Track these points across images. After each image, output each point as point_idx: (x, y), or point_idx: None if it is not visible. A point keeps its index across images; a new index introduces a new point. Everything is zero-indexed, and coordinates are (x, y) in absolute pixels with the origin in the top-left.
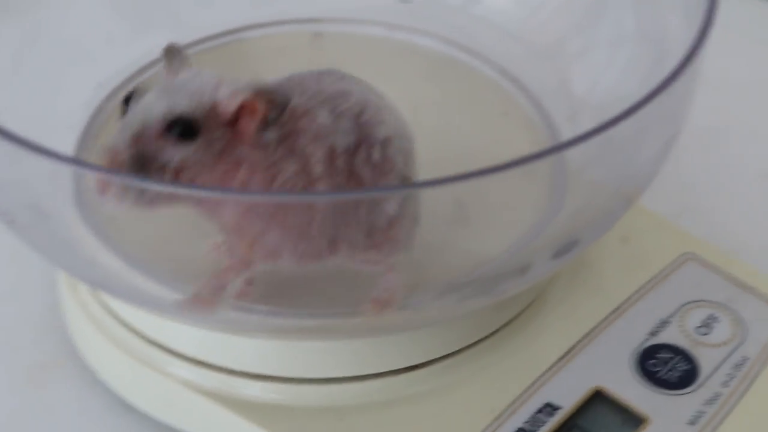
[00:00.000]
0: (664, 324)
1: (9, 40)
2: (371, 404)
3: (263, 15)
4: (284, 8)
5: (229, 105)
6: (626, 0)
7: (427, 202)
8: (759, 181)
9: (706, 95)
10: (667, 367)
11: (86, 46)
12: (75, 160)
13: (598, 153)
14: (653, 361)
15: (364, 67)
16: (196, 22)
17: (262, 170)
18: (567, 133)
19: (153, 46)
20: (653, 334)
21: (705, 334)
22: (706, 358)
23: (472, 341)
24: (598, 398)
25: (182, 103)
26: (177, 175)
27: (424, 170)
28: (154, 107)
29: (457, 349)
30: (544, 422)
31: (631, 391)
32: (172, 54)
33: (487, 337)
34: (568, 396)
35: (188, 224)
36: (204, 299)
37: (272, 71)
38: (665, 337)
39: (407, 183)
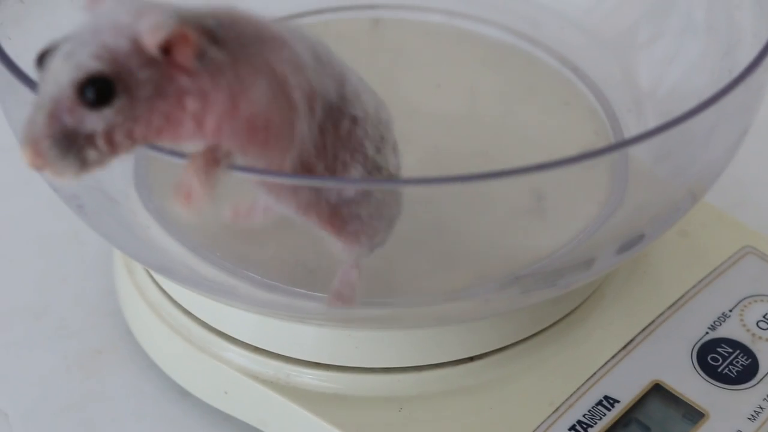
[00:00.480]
0: (723, 318)
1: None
2: (430, 394)
3: (322, 1)
4: None
5: (152, 40)
6: None
7: (496, 192)
8: None
9: None
10: (727, 361)
11: None
12: None
13: (666, 148)
14: (713, 355)
15: (423, 54)
16: (256, 9)
17: (220, 90)
18: (629, 125)
19: None
20: (713, 328)
21: (766, 328)
22: (766, 354)
23: (531, 333)
24: (657, 392)
25: (90, 60)
26: (110, 138)
27: (483, 159)
28: (61, 72)
29: (515, 341)
30: (602, 415)
31: (691, 385)
32: None
33: (545, 329)
34: (626, 389)
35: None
36: (345, 296)
37: None
38: (725, 332)
39: (380, 172)
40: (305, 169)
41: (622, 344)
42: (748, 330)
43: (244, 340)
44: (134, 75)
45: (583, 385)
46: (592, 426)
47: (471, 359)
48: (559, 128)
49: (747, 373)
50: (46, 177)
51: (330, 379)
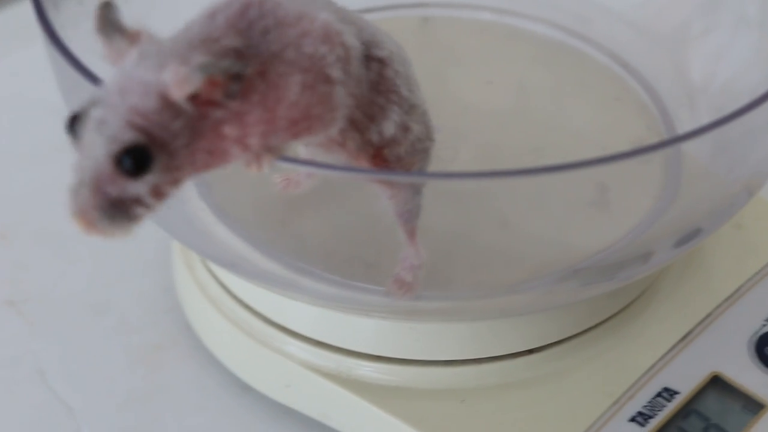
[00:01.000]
0: None
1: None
2: (490, 386)
3: (371, 0)
4: None
5: (180, 94)
6: None
7: (556, 186)
8: None
9: None
10: None
11: None
12: None
13: (721, 143)
14: None
15: (473, 52)
16: None
17: (255, 107)
18: (681, 120)
19: None
20: None
21: None
22: None
23: (589, 326)
24: (716, 383)
25: (123, 130)
26: (157, 193)
27: (536, 155)
28: (96, 145)
29: (574, 333)
30: (662, 407)
31: (750, 377)
32: (107, 22)
33: (603, 322)
34: (685, 381)
35: (303, 203)
36: (408, 284)
37: None
38: None
39: (414, 110)
40: (349, 123)
41: (680, 336)
42: None
43: (306, 334)
44: (168, 130)
45: (642, 376)
46: (652, 417)
47: (530, 352)
48: (611, 124)
49: None
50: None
51: (392, 372)
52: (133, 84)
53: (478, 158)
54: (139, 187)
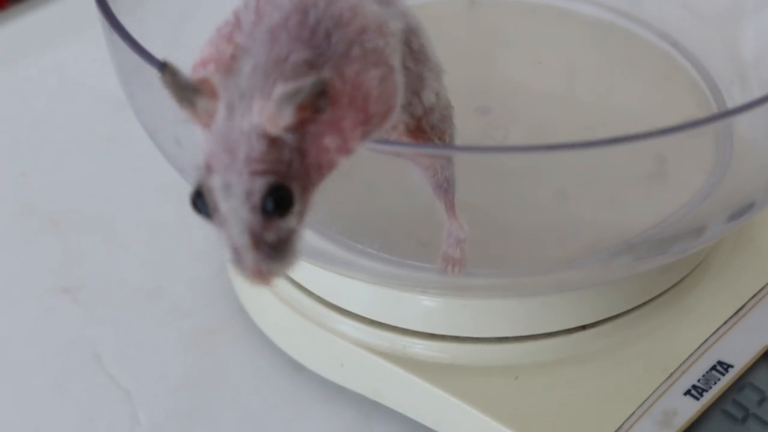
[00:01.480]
0: None
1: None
2: (544, 363)
3: None
4: None
5: (277, 128)
6: None
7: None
8: None
9: None
10: None
11: None
12: None
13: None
14: None
15: (522, 34)
16: None
17: (347, 111)
18: (732, 97)
19: None
20: None
21: None
22: None
23: (642, 302)
24: None
25: (252, 181)
26: (301, 218)
27: (588, 134)
28: (236, 208)
29: (627, 309)
30: (717, 380)
31: None
32: (182, 89)
33: (655, 298)
34: (739, 355)
35: (359, 184)
36: (457, 260)
37: None
38: None
39: (441, 75)
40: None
41: (733, 311)
42: None
43: (360, 313)
44: (283, 161)
45: (696, 351)
46: (707, 390)
47: (583, 328)
48: (662, 102)
49: None
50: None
51: (445, 350)
52: (235, 137)
53: (528, 138)
54: (290, 221)
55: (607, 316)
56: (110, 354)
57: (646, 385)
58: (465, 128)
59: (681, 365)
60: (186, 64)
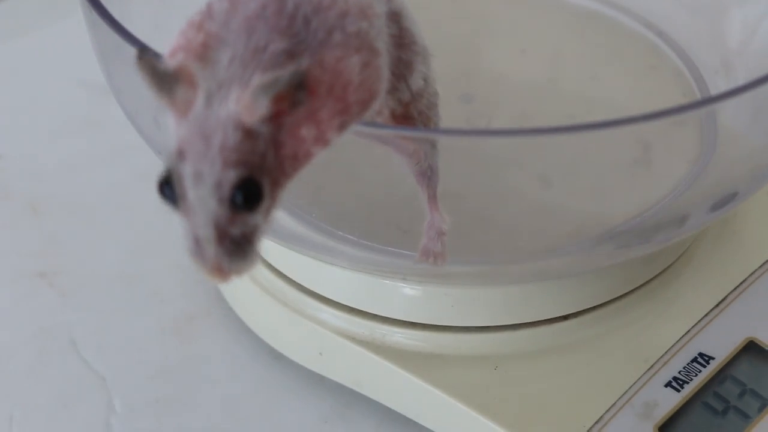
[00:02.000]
0: None
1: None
2: (525, 353)
3: None
4: None
5: (253, 118)
6: None
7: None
8: None
9: None
10: None
11: None
12: None
13: (755, 106)
14: None
15: (506, 22)
16: None
17: (325, 101)
18: (717, 87)
19: None
20: None
21: None
22: None
23: (624, 292)
24: (751, 349)
25: (223, 171)
26: (267, 216)
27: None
28: (204, 197)
29: (609, 299)
30: (698, 372)
31: None
32: (160, 78)
33: (638, 288)
34: (721, 346)
35: (340, 170)
36: (438, 253)
37: None
38: None
39: (429, 58)
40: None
41: (715, 302)
42: None
43: (339, 301)
44: (257, 153)
45: (677, 342)
46: (687, 382)
47: (565, 318)
48: (646, 91)
49: None
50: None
51: (425, 339)
52: (212, 125)
53: (511, 126)
54: (257, 216)
55: (589, 306)
56: (86, 340)
57: (627, 376)
58: (448, 116)
59: (662, 357)
60: (167, 49)
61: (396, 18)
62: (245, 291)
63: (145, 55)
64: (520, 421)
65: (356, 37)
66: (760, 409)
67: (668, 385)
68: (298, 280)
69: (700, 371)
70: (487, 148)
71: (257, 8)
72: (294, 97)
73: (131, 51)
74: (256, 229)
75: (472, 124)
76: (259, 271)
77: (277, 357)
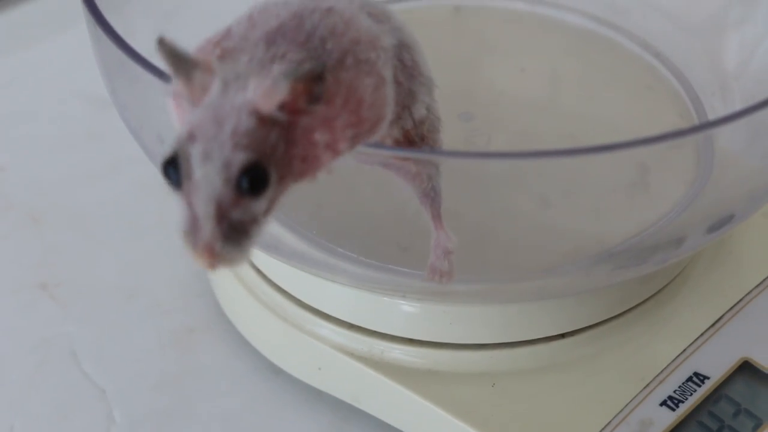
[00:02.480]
0: None
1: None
2: (522, 371)
3: None
4: None
5: (269, 105)
6: None
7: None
8: None
9: None
10: None
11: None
12: None
13: (752, 130)
14: None
15: (506, 41)
16: None
17: (340, 111)
18: (714, 108)
19: None
20: None
21: None
22: None
23: (621, 311)
24: (746, 369)
25: (233, 153)
26: (270, 209)
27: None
28: (210, 176)
29: (606, 318)
30: (693, 391)
31: None
32: (180, 61)
33: (634, 308)
34: (716, 366)
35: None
36: (445, 272)
37: None
38: None
39: (434, 88)
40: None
41: (710, 322)
42: None
43: (339, 317)
44: (268, 143)
45: (673, 361)
46: (683, 401)
47: (562, 336)
48: (643, 113)
49: None
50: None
51: (423, 355)
52: (226, 111)
53: (511, 145)
54: (260, 204)
55: (586, 324)
56: (87, 352)
57: (622, 394)
58: (448, 135)
59: (658, 375)
60: None
61: (405, 50)
62: (245, 305)
63: (165, 39)
64: None
65: (366, 64)
66: (754, 429)
67: (663, 403)
68: (297, 296)
69: (695, 390)
70: (486, 169)
71: (276, 25)
72: (312, 90)
73: (135, 68)
74: (254, 221)
75: (471, 142)
76: (259, 286)
77: (277, 371)
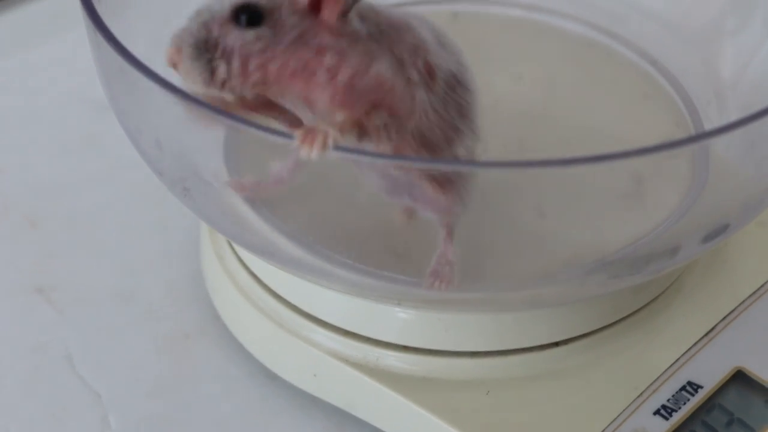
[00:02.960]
0: None
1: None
2: (517, 378)
3: None
4: None
5: None
6: None
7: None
8: None
9: None
10: None
11: None
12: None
13: (748, 140)
14: None
15: (503, 48)
16: None
17: (356, 56)
18: (709, 118)
19: None
20: None
21: None
22: None
23: (615, 320)
24: (739, 378)
25: None
26: (245, 61)
27: (566, 150)
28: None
29: (600, 326)
30: (686, 400)
31: None
32: None
33: (628, 316)
34: (709, 375)
35: (336, 194)
36: (443, 276)
37: None
38: None
39: (479, 137)
40: (423, 143)
41: (704, 331)
42: None
43: (334, 324)
44: (283, 17)
45: (666, 370)
46: (676, 411)
47: (556, 344)
48: (639, 121)
49: None
50: (183, 83)
51: (418, 362)
52: None
53: (507, 153)
54: (236, 38)
55: (580, 333)
56: (82, 356)
57: (616, 403)
58: None
59: (651, 384)
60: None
61: (459, 85)
62: (241, 311)
63: None
64: None
65: (393, 57)
66: None
67: (657, 413)
68: (293, 302)
69: (689, 399)
70: (481, 178)
71: None
72: (347, 10)
73: (135, 73)
74: (224, 52)
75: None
76: (255, 291)
77: (272, 377)
